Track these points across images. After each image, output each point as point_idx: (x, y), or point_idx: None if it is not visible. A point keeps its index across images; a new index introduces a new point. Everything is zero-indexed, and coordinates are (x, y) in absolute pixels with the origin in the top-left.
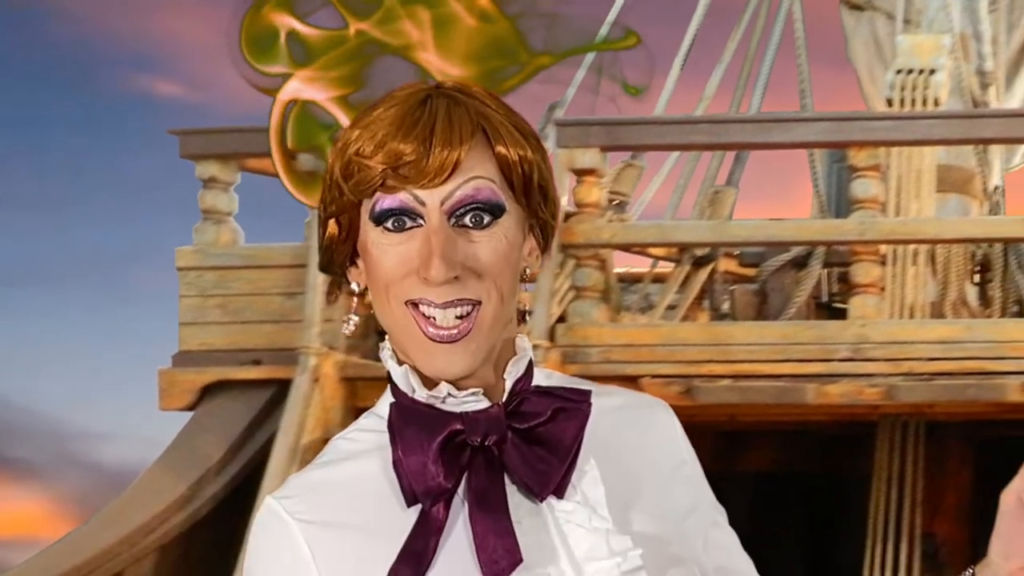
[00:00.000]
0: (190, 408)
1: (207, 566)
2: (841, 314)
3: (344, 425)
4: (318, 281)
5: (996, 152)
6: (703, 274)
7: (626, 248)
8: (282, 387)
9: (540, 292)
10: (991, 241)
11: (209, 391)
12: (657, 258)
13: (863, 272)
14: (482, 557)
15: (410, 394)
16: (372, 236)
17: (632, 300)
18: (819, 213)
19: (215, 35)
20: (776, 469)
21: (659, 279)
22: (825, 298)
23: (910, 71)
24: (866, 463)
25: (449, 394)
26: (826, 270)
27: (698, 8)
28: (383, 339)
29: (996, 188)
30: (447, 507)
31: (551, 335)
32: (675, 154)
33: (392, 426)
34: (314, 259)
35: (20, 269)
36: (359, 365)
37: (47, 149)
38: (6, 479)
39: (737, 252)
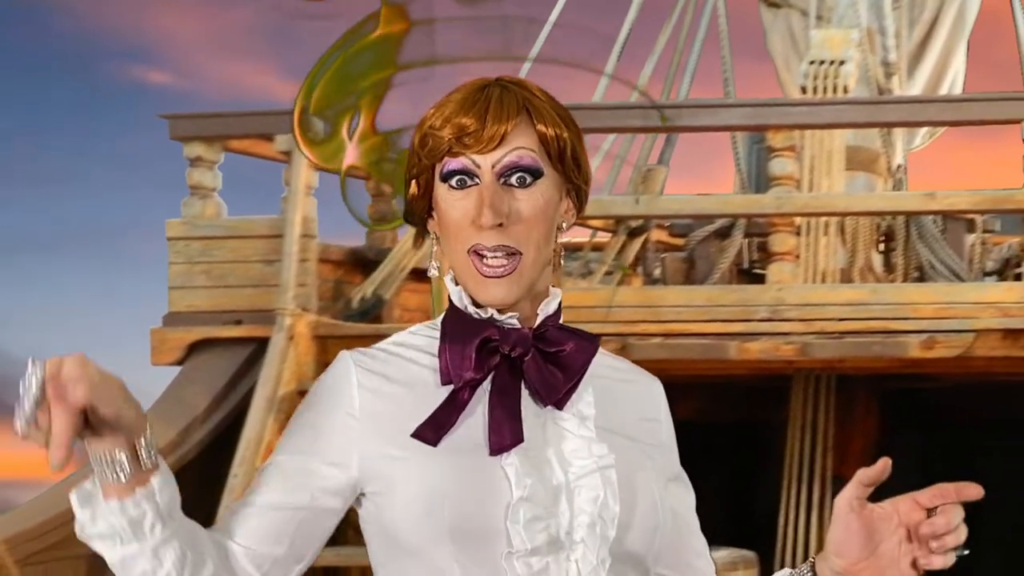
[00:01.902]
0: (178, 363)
1: (194, 503)
2: (760, 279)
3: (316, 377)
4: (293, 250)
5: (899, 135)
6: (637, 243)
7: None
8: (261, 344)
9: None
10: (894, 214)
11: (195, 348)
12: (596, 229)
13: (780, 242)
14: (492, 433)
15: (460, 304)
16: (441, 192)
17: (574, 267)
18: (740, 189)
19: (202, 30)
20: (703, 418)
21: (598, 248)
22: (746, 265)
23: (822, 62)
24: (783, 412)
25: (492, 315)
26: (747, 240)
27: (632, 5)
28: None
29: (899, 167)
30: (471, 393)
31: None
32: (612, 135)
33: (444, 324)
34: (290, 230)
35: (25, 239)
36: (330, 325)
37: (49, 131)
38: (12, 427)
39: (667, 224)
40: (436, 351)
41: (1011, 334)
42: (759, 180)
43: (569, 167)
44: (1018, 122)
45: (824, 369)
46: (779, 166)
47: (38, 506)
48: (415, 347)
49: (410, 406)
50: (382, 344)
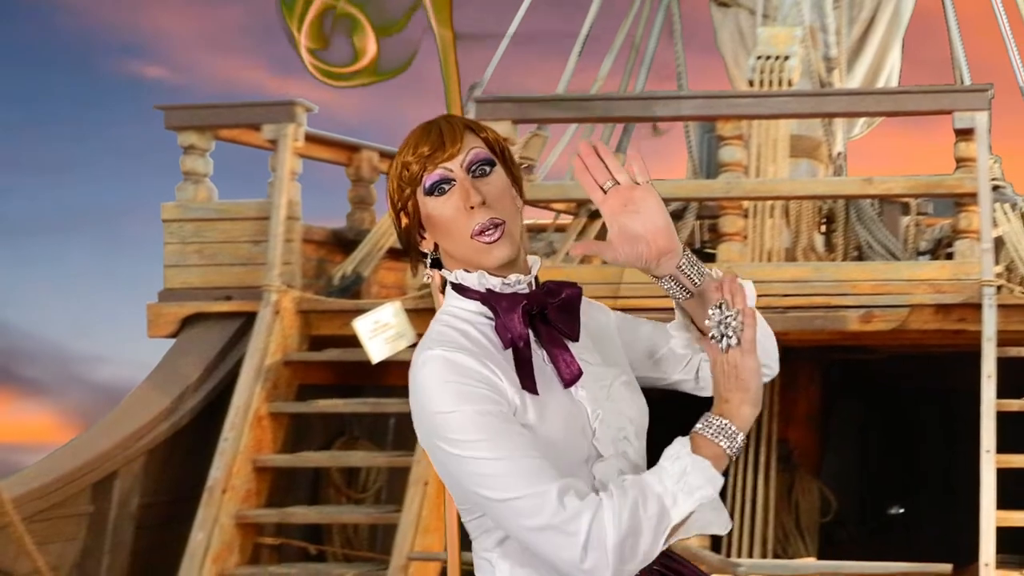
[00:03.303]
0: (173, 336)
1: (188, 466)
2: (711, 258)
3: (299, 349)
4: (279, 231)
5: (839, 124)
6: (597, 225)
7: (533, 203)
8: (249, 318)
9: None
10: (835, 198)
11: (188, 322)
12: (559, 212)
13: (729, 223)
14: (561, 369)
15: (493, 288)
16: (430, 204)
17: (538, 247)
18: (692, 175)
19: (195, 28)
20: (657, 388)
21: (560, 229)
22: (698, 245)
23: (768, 57)
24: None
25: (517, 281)
26: (699, 221)
27: (593, 4)
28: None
29: (839, 154)
30: (528, 347)
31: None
32: (574, 125)
33: (491, 305)
34: (276, 212)
35: (30, 222)
36: (312, 300)
37: (53, 121)
38: (19, 395)
39: None
40: (480, 330)
41: (942, 309)
42: (710, 166)
43: (509, 163)
44: (949, 113)
45: None
46: (728, 153)
47: (43, 468)
48: (465, 331)
49: (503, 370)
50: (437, 333)
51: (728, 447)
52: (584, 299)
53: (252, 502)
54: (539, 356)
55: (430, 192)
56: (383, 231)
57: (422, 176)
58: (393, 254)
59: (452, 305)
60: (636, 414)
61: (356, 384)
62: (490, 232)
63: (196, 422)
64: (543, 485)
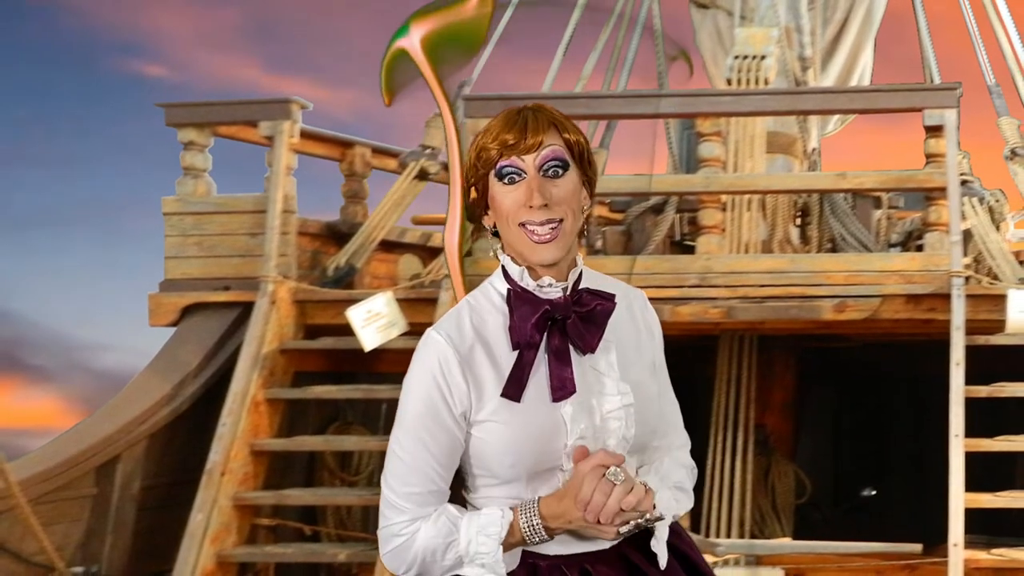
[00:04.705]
0: (173, 325)
1: (187, 450)
2: (690, 250)
3: (295, 338)
4: (275, 224)
5: (814, 121)
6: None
7: None
8: (247, 308)
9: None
10: (810, 192)
11: (188, 311)
12: None
13: (708, 216)
14: (554, 383)
15: (520, 282)
16: (497, 188)
17: None
18: (673, 170)
19: (194, 28)
20: None
21: None
22: (678, 237)
23: (745, 56)
24: (711, 368)
25: (550, 284)
26: (679, 215)
27: (577, 6)
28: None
29: (814, 150)
30: (535, 353)
31: (461, 267)
32: None
33: (510, 303)
34: (272, 206)
35: (35, 215)
36: (307, 290)
37: (57, 118)
38: (25, 382)
39: (608, 201)
40: (500, 319)
41: (913, 299)
42: (689, 162)
43: (585, 164)
44: (919, 110)
45: (747, 330)
46: (707, 149)
47: (48, 452)
48: (483, 318)
49: (491, 367)
50: (455, 317)
51: (529, 538)
52: (646, 307)
53: (249, 485)
54: (542, 362)
55: (499, 176)
56: (375, 224)
57: (496, 162)
58: (385, 246)
59: (491, 284)
60: (626, 436)
61: (349, 371)
62: (543, 233)
63: (196, 408)
64: (408, 480)
